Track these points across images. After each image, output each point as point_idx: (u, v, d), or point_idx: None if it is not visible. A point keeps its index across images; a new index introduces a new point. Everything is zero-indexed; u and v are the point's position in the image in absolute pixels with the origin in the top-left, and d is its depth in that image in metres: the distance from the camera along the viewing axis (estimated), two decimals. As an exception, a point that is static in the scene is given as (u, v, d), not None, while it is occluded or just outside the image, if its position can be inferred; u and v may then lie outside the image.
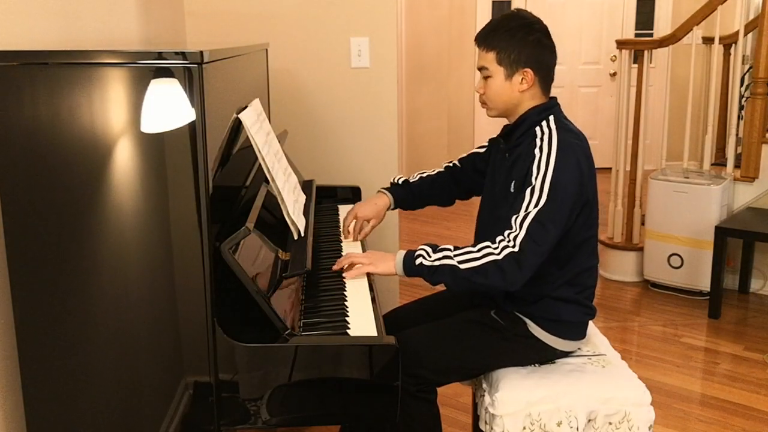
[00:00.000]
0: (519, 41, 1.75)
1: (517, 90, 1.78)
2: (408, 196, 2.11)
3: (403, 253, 1.75)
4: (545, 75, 1.80)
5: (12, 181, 1.33)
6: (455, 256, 1.68)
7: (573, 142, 1.73)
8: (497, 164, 1.89)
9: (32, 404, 1.42)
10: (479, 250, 1.67)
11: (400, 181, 2.13)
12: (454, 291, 1.95)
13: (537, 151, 1.71)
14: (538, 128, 1.76)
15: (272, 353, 1.40)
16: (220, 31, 2.80)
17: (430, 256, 1.70)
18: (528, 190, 1.68)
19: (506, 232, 1.66)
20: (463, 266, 1.66)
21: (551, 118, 1.77)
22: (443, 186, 2.11)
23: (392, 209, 2.12)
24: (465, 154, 2.13)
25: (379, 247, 2.78)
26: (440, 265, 1.68)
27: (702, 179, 3.70)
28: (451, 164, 2.14)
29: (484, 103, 1.85)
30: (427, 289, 1.93)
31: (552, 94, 1.85)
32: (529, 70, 1.76)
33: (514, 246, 1.64)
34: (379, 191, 2.12)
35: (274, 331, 1.43)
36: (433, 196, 2.11)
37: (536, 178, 1.67)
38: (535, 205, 1.65)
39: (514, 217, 1.67)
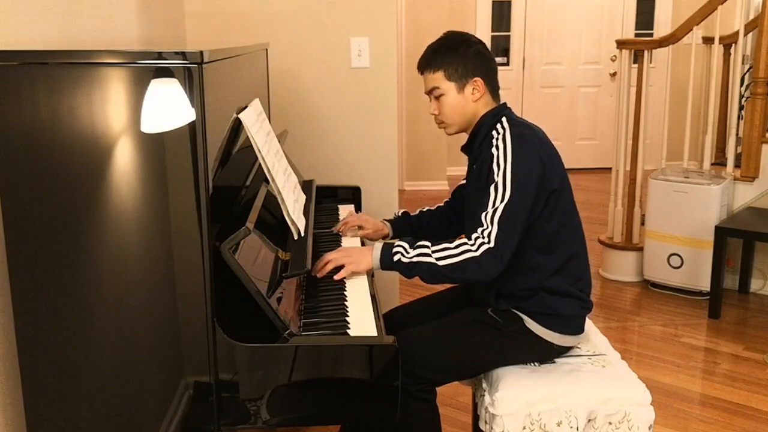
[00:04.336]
0: (462, 55, 1.84)
1: (471, 100, 1.87)
2: (406, 227, 2.16)
3: (380, 247, 1.79)
4: (492, 81, 1.90)
5: (12, 181, 1.33)
6: (433, 252, 1.73)
7: (526, 133, 1.80)
8: (469, 178, 1.97)
9: (32, 404, 1.41)
10: (457, 247, 1.72)
11: (399, 213, 2.19)
12: (431, 284, 1.96)
13: (494, 150, 1.78)
14: (494, 131, 1.83)
15: (272, 353, 1.40)
16: (220, 31, 2.80)
17: (408, 253, 1.75)
18: (492, 187, 1.74)
19: (480, 230, 1.72)
20: (441, 263, 1.72)
21: (504, 119, 1.85)
22: (442, 220, 2.16)
23: (390, 239, 2.14)
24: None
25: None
26: (418, 261, 1.73)
27: (702, 179, 3.70)
28: (447, 200, 2.19)
29: (441, 123, 1.92)
30: (427, 288, 1.93)
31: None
32: (478, 78, 1.85)
33: (489, 242, 1.70)
34: (381, 221, 2.17)
35: (274, 331, 1.43)
36: (432, 228, 2.15)
37: (498, 175, 1.74)
38: (501, 200, 1.72)
39: (484, 214, 1.73)
